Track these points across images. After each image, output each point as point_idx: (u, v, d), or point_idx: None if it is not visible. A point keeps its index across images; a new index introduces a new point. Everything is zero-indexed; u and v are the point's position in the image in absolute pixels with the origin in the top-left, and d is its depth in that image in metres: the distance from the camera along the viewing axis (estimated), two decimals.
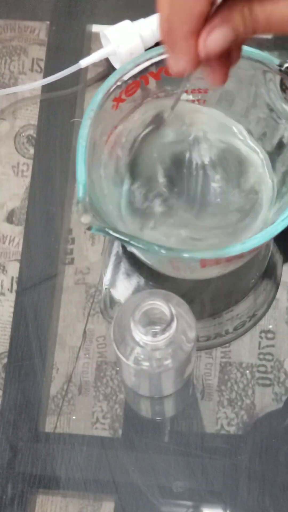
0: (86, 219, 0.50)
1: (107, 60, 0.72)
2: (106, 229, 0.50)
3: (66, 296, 0.64)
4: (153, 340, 0.50)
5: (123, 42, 0.69)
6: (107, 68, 0.72)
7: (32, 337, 0.63)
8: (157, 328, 0.51)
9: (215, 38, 0.41)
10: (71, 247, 0.66)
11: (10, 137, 0.71)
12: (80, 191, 0.51)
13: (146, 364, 0.52)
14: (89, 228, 0.50)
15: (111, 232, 0.50)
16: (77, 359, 0.62)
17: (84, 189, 0.51)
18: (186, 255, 0.51)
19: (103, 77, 0.72)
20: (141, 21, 0.70)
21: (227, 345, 0.62)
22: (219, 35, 0.41)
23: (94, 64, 0.71)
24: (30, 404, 0.61)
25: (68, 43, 0.73)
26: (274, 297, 0.64)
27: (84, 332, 0.63)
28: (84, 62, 0.70)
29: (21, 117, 0.71)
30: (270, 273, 0.65)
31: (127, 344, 0.51)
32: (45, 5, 0.76)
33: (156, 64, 0.58)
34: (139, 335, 0.50)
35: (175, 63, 0.43)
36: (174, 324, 0.50)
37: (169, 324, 0.50)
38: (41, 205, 0.68)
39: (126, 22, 0.70)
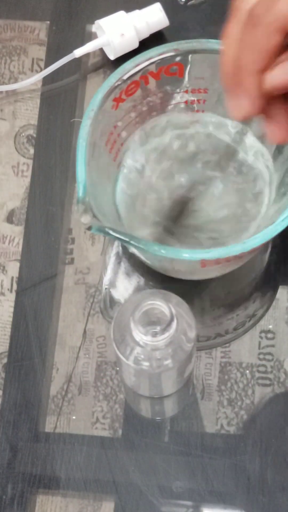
0: (86, 219, 0.50)
1: (101, 50, 0.72)
2: (106, 229, 0.50)
3: (66, 296, 0.64)
4: (153, 340, 0.50)
5: (117, 32, 0.69)
6: (102, 59, 0.72)
7: (32, 337, 0.63)
8: (157, 328, 0.51)
9: (284, 72, 0.39)
10: (71, 247, 0.66)
11: (10, 137, 0.71)
12: (80, 191, 0.51)
13: (146, 364, 0.52)
14: (89, 228, 0.50)
15: (111, 232, 0.50)
16: (77, 359, 0.62)
17: (84, 189, 0.51)
18: (186, 255, 0.51)
19: (99, 67, 0.72)
20: (136, 12, 0.70)
21: (227, 345, 0.62)
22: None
23: (89, 55, 0.72)
24: (30, 404, 0.61)
25: (68, 43, 0.73)
26: (274, 297, 0.64)
27: (84, 332, 0.63)
28: (78, 52, 0.70)
29: (21, 117, 0.71)
30: (269, 273, 0.65)
31: (127, 344, 0.51)
32: (45, 5, 0.76)
33: (156, 64, 0.59)
34: (139, 335, 0.50)
35: (237, 106, 0.41)
36: (174, 324, 0.50)
37: (169, 324, 0.50)
38: (41, 205, 0.68)
39: (121, 13, 0.70)
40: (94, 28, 0.72)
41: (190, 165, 0.62)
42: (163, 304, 0.50)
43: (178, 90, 0.61)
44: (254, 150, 0.61)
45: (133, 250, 0.59)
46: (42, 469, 0.59)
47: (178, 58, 0.59)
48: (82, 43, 0.72)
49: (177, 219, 0.60)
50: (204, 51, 0.58)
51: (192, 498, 0.58)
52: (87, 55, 0.72)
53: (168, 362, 0.52)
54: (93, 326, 0.63)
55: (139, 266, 0.63)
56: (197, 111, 0.63)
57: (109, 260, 0.64)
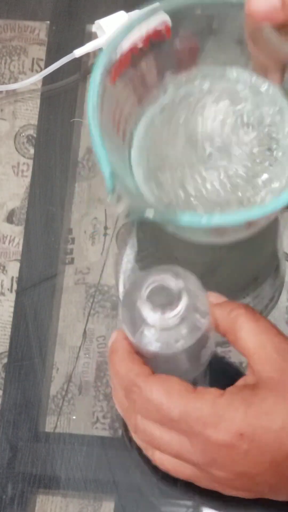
0: (121, 207, 0.47)
1: (101, 50, 0.72)
2: (147, 209, 0.46)
3: (66, 296, 0.64)
4: (163, 318, 0.48)
5: None
6: None
7: (32, 337, 0.63)
8: (167, 307, 0.48)
9: None
10: (71, 247, 0.66)
11: (10, 137, 0.71)
12: (108, 181, 0.47)
13: (156, 345, 0.49)
14: (127, 215, 0.48)
15: (152, 212, 0.46)
16: (77, 359, 0.62)
17: (111, 178, 0.48)
18: (236, 217, 0.47)
19: None
20: (136, 12, 0.70)
21: (227, 345, 0.62)
22: None
23: (89, 55, 0.72)
24: (30, 404, 0.61)
25: (68, 43, 0.73)
26: (274, 297, 0.64)
27: (84, 332, 0.63)
28: (78, 52, 0.70)
29: (21, 117, 0.71)
30: (269, 273, 0.65)
31: (136, 326, 0.49)
32: (45, 5, 0.76)
33: (143, 31, 0.56)
34: (148, 313, 0.48)
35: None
36: (184, 298, 0.48)
37: (178, 298, 0.47)
38: (41, 205, 0.68)
39: (121, 13, 0.70)
40: (94, 28, 0.72)
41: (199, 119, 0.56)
42: (172, 277, 0.48)
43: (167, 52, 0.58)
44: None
45: (170, 228, 0.53)
46: (42, 469, 0.59)
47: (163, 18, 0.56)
48: (82, 43, 0.72)
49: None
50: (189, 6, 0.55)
51: (192, 498, 0.58)
52: (87, 55, 0.72)
53: (181, 343, 0.49)
54: (93, 326, 0.63)
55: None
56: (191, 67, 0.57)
57: (120, 272, 0.62)
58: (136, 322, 0.49)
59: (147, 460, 0.59)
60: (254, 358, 0.50)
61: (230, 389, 0.49)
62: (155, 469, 0.58)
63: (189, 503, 0.58)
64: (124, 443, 0.60)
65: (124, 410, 0.52)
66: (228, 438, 0.47)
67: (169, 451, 0.50)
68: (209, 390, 0.48)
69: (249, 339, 0.50)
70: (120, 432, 0.60)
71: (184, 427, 0.48)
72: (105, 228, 0.67)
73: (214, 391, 0.48)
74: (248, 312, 0.51)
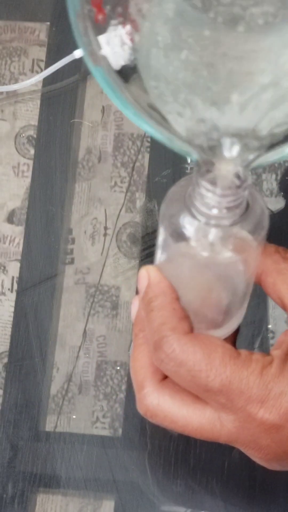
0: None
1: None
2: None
3: (66, 296, 0.65)
4: (223, 202, 0.38)
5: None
6: None
7: (33, 336, 0.63)
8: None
9: None
10: (71, 247, 0.66)
11: (10, 138, 0.71)
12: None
13: (206, 248, 0.40)
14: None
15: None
16: (77, 358, 0.62)
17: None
18: None
19: None
20: None
21: None
22: None
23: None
24: (31, 403, 0.61)
25: (68, 44, 0.73)
26: None
27: (84, 331, 0.63)
28: (78, 53, 0.70)
29: (21, 117, 0.71)
30: None
31: (180, 226, 0.40)
32: (45, 6, 0.76)
33: None
34: (207, 197, 0.38)
35: None
36: (247, 185, 0.38)
37: (241, 186, 0.38)
38: (41, 205, 0.68)
39: None
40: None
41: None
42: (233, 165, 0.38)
43: None
44: None
45: None
46: (42, 468, 0.59)
47: None
48: None
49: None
50: None
51: (192, 498, 0.58)
52: None
53: (229, 254, 0.40)
54: (93, 326, 0.63)
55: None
56: None
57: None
58: (182, 222, 0.40)
59: (147, 460, 0.59)
60: None
61: (278, 354, 0.41)
62: (155, 469, 0.59)
63: (188, 502, 0.58)
64: (124, 442, 0.60)
65: (137, 368, 0.43)
66: (277, 418, 0.40)
67: (189, 429, 0.42)
68: (255, 356, 0.41)
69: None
70: (120, 431, 0.60)
71: (222, 401, 0.40)
72: (105, 228, 0.67)
73: (261, 358, 0.41)
74: None
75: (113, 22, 0.42)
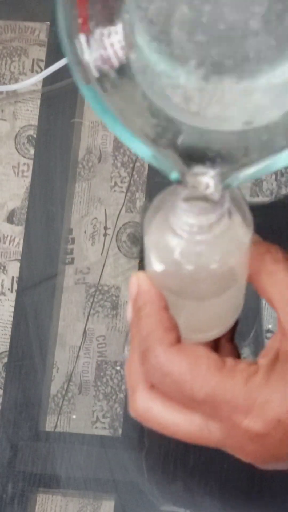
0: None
1: None
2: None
3: (66, 296, 0.65)
4: (201, 221, 0.38)
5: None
6: None
7: (33, 336, 0.63)
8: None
9: None
10: (71, 247, 0.66)
11: (10, 138, 0.71)
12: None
13: (191, 261, 0.40)
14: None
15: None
16: (77, 358, 0.63)
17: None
18: None
19: None
20: None
21: None
22: None
23: None
24: (31, 403, 0.61)
25: None
26: None
27: (84, 331, 0.63)
28: None
29: (21, 117, 0.71)
30: None
31: (163, 241, 0.41)
32: (45, 6, 0.76)
33: None
34: (186, 216, 0.38)
35: None
36: (225, 202, 0.38)
37: (219, 203, 0.38)
38: (41, 205, 0.68)
39: None
40: None
41: None
42: (211, 172, 0.37)
43: None
44: None
45: None
46: (42, 468, 0.59)
47: None
48: None
49: None
50: None
51: (192, 498, 0.58)
52: None
53: (216, 265, 0.40)
54: (93, 326, 0.64)
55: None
56: None
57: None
58: (165, 238, 0.40)
59: (147, 460, 0.59)
60: (285, 311, 0.42)
61: (264, 363, 0.42)
62: (155, 469, 0.59)
63: (188, 502, 0.58)
64: (124, 442, 0.60)
65: (131, 372, 0.43)
66: (262, 427, 0.40)
67: (179, 434, 0.43)
68: (240, 365, 0.41)
69: (280, 289, 0.42)
70: (120, 431, 0.60)
71: (208, 410, 0.41)
72: (105, 228, 0.67)
73: (246, 367, 0.41)
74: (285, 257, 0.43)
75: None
